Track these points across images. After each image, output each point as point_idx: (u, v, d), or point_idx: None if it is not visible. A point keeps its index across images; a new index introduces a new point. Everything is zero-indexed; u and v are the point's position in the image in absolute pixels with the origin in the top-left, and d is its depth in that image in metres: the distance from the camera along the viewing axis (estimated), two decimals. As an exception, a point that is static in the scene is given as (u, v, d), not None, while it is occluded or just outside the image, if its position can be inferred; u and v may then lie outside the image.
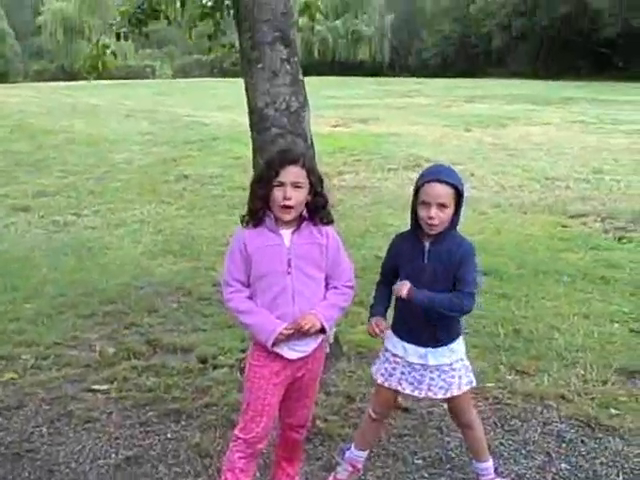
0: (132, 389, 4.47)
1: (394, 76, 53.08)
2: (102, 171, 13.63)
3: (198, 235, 8.74)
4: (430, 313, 3.00)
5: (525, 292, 6.27)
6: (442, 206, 2.95)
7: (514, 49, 55.29)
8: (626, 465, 3.53)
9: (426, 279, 3.02)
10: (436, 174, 3.02)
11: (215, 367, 4.77)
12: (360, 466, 3.45)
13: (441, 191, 2.96)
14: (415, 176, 9.84)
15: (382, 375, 3.23)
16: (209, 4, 7.12)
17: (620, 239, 8.25)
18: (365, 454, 3.45)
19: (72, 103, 25.12)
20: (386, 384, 3.22)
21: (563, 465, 3.53)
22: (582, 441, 3.76)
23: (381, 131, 18.33)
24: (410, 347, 3.13)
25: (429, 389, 3.13)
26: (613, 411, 4.05)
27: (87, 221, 9.85)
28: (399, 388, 3.19)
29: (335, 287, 3.00)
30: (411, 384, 3.16)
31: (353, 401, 4.23)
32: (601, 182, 11.69)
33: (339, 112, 22.72)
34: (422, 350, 3.10)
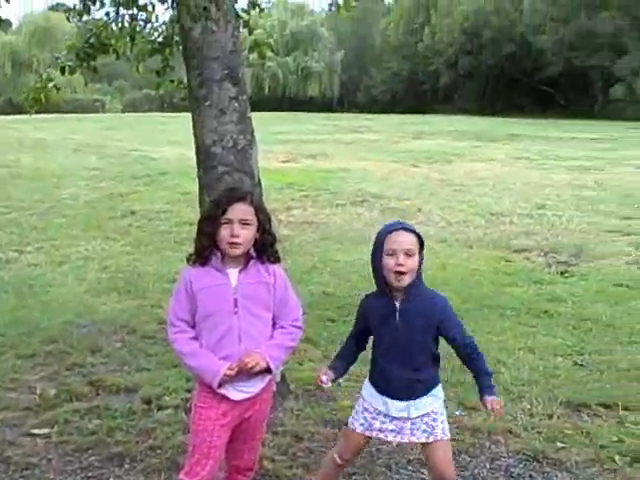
0: (73, 433, 4.31)
1: (343, 112, 53.80)
2: (47, 206, 13.39)
3: (144, 272, 8.61)
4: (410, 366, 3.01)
5: (471, 327, 6.20)
6: (409, 254, 2.92)
7: (461, 86, 56.64)
8: (572, 500, 3.55)
9: (400, 339, 3.00)
10: (400, 224, 3.02)
11: (160, 408, 4.64)
12: None
13: (407, 238, 2.94)
14: (363, 211, 9.93)
15: (362, 425, 3.15)
16: (159, 40, 7.11)
17: (563, 273, 8.40)
18: None
19: (18, 137, 24.80)
20: (367, 433, 3.15)
21: (511, 501, 3.54)
22: (530, 476, 3.76)
23: (330, 167, 18.46)
24: (390, 402, 3.07)
25: (412, 434, 3.08)
26: (559, 444, 4.07)
27: (30, 258, 9.60)
28: (381, 436, 3.14)
29: (282, 327, 2.99)
30: (392, 431, 3.11)
31: (301, 440, 4.17)
32: (544, 217, 11.92)
33: (288, 147, 22.85)
34: (403, 404, 3.06)
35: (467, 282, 7.94)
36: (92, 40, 6.79)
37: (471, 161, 19.71)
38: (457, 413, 4.49)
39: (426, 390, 3.08)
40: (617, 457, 3.93)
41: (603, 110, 46.86)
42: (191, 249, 2.94)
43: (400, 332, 2.99)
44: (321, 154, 21.28)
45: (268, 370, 2.90)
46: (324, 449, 4.03)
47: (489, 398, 3.02)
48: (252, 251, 2.93)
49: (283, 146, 23.03)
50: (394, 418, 3.08)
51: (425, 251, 3.03)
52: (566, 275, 8.33)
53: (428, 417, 3.07)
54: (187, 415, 3.89)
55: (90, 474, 3.84)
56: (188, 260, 2.94)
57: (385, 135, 28.25)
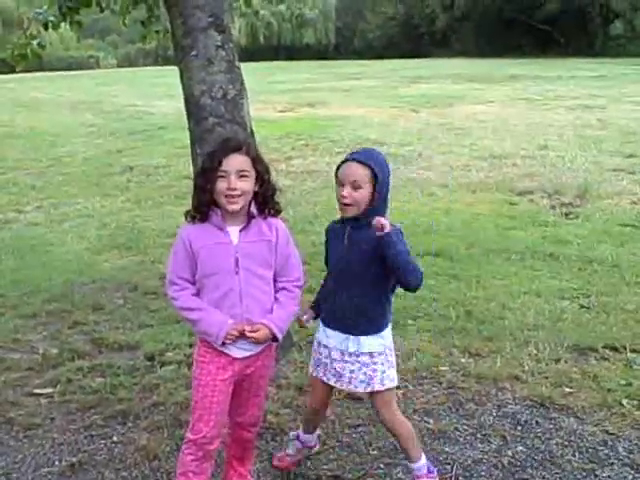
0: (76, 391, 4.28)
1: (340, 59, 53.02)
2: (44, 165, 13.28)
3: (144, 228, 8.53)
4: (357, 302, 2.94)
5: (476, 272, 6.24)
6: (355, 186, 2.85)
7: (458, 29, 55.67)
8: (581, 444, 3.50)
9: (345, 263, 2.96)
10: (354, 154, 2.93)
11: (163, 364, 4.61)
12: (312, 444, 3.43)
13: (355, 170, 2.86)
14: (362, 159, 9.53)
15: (312, 366, 3.18)
16: (142, -11, 6.91)
17: (567, 215, 8.30)
18: (315, 435, 3.42)
19: (13, 97, 24.50)
20: (314, 374, 3.16)
21: (519, 448, 3.49)
22: (537, 422, 3.72)
23: (328, 114, 18.22)
24: (332, 333, 3.04)
25: (350, 382, 3.03)
26: (566, 389, 4.03)
27: (29, 217, 9.54)
28: (324, 379, 3.11)
29: (285, 288, 2.91)
30: (334, 375, 3.06)
31: (305, 393, 4.11)
32: (546, 158, 11.76)
33: (286, 97, 22.56)
34: (343, 336, 3.01)
35: (471, 227, 7.86)
36: (73, -8, 6.58)
37: (471, 104, 19.42)
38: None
39: (371, 329, 2.99)
40: (625, 401, 3.89)
41: (603, 47, 46.10)
42: (190, 207, 2.83)
43: (348, 255, 2.94)
44: (319, 102, 21.00)
45: (274, 339, 2.86)
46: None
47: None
48: (253, 207, 2.82)
49: (280, 96, 22.73)
50: (334, 360, 3.03)
51: (383, 186, 2.89)
52: (571, 216, 8.24)
53: (367, 367, 2.99)
54: (190, 371, 3.83)
55: (94, 432, 3.81)
56: (186, 217, 2.83)
57: (383, 81, 27.85)
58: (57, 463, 3.54)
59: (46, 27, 6.56)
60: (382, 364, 3.01)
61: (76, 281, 6.56)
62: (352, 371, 3.01)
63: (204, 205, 2.77)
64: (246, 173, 2.73)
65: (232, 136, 3.79)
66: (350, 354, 3.00)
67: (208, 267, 2.78)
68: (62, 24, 6.75)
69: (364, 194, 2.86)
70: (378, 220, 2.74)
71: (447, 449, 3.51)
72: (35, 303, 5.98)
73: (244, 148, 2.76)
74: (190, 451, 2.88)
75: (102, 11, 7.14)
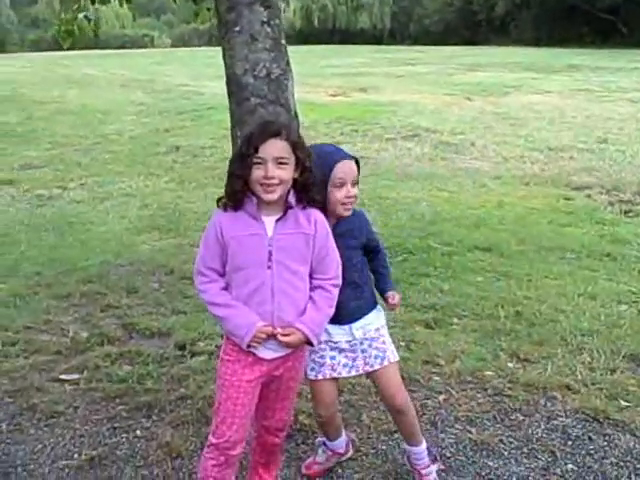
0: (103, 379, 4.12)
1: (395, 44, 52.46)
2: (91, 142, 13.28)
3: (186, 209, 8.39)
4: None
5: (527, 270, 5.92)
6: (354, 183, 2.83)
7: (517, 16, 54.50)
8: (638, 465, 3.20)
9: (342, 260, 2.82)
10: (346, 152, 2.86)
11: (193, 354, 4.42)
12: (342, 450, 3.24)
13: (354, 168, 2.83)
14: (413, 146, 9.40)
15: (312, 370, 2.97)
16: (194, -36, 6.73)
17: (626, 213, 7.90)
18: (342, 440, 3.23)
19: (66, 73, 24.70)
20: (320, 377, 2.96)
21: (569, 466, 3.20)
22: (590, 438, 3.42)
23: (381, 100, 17.88)
24: (332, 327, 2.89)
25: (366, 363, 2.96)
26: (623, 403, 3.72)
27: (73, 195, 9.49)
28: (334, 375, 2.96)
29: (321, 287, 2.64)
30: (345, 366, 2.96)
31: (340, 393, 3.86)
32: (606, 152, 11.31)
33: (338, 81, 22.28)
34: (345, 327, 2.93)
35: (524, 222, 7.51)
36: (124, -34, 6.44)
37: (528, 94, 18.86)
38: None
39: (369, 306, 3.00)
40: (689, 419, 3.55)
41: (668, 39, 44.65)
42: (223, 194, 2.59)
43: (340, 250, 2.77)
44: (372, 87, 20.65)
45: (308, 343, 2.63)
46: (364, 402, 3.80)
47: (390, 293, 3.03)
48: (291, 197, 2.56)
49: (333, 79, 22.46)
50: (341, 350, 2.95)
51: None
52: (630, 215, 7.84)
53: (376, 341, 2.96)
54: (221, 363, 3.64)
55: (117, 424, 3.64)
56: (218, 204, 2.60)
57: (438, 67, 27.32)
58: (76, 456, 3.37)
59: (93, 1, 6.43)
60: (386, 336, 3.02)
61: (113, 262, 6.43)
62: (364, 351, 2.95)
63: (238, 192, 2.52)
64: (285, 160, 2.48)
65: (270, 119, 3.52)
66: (359, 338, 2.94)
67: (238, 259, 2.55)
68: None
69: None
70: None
71: (490, 463, 3.24)
72: (70, 283, 5.86)
73: (284, 132, 2.49)
74: (211, 456, 2.66)
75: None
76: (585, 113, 15.31)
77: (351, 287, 2.87)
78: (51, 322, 5.07)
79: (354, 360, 2.95)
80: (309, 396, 3.77)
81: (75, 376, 4.19)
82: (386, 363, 2.95)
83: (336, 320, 2.83)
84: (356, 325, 2.93)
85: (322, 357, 2.95)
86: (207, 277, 2.61)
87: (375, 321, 2.99)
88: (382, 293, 3.06)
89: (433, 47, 43.06)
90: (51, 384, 4.10)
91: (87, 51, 37.08)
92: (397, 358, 3.02)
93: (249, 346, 2.56)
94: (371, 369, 2.97)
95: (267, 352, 2.61)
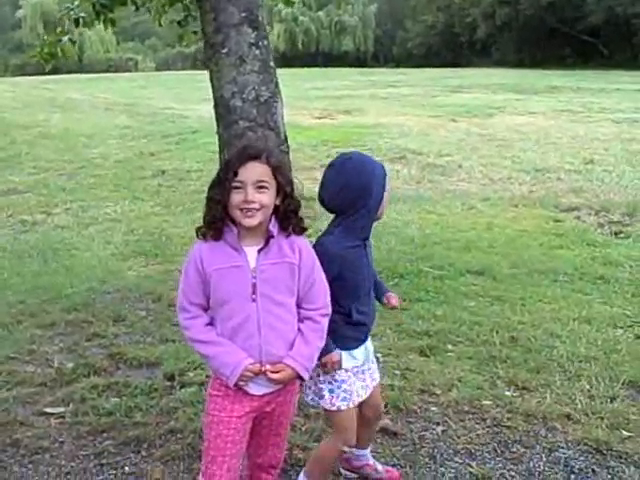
0: (89, 412, 3.97)
1: (378, 66, 52.80)
2: (76, 167, 13.11)
3: (173, 234, 8.25)
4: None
5: (520, 294, 5.84)
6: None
7: (499, 38, 55.08)
8: (644, 499, 3.11)
9: (370, 280, 2.93)
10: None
11: (183, 385, 4.28)
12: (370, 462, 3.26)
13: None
14: (401, 168, 9.38)
15: (345, 400, 2.85)
16: (179, -13, 6.67)
17: (617, 234, 7.84)
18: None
19: (50, 97, 24.60)
20: (351, 405, 2.87)
21: (573, 500, 3.11)
22: (593, 470, 3.32)
23: (366, 122, 17.87)
24: (357, 351, 2.89)
25: (372, 378, 2.99)
26: (625, 433, 3.62)
27: (57, 220, 9.32)
28: (361, 399, 2.92)
29: (310, 318, 2.54)
30: (363, 388, 2.93)
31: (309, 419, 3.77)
32: (593, 173, 11.29)
33: (323, 103, 22.31)
34: (362, 346, 2.92)
35: (514, 244, 7.43)
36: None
37: (512, 115, 18.96)
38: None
39: None
40: (693, 448, 3.46)
41: (648, 60, 45.18)
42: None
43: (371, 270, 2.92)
44: (357, 110, 20.67)
45: (299, 377, 2.54)
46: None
47: (390, 293, 3.05)
48: (273, 226, 2.46)
49: (318, 102, 22.48)
50: (366, 371, 2.96)
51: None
52: (621, 236, 7.78)
53: (373, 355, 3.04)
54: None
55: (104, 461, 3.50)
56: (197, 233, 2.50)
57: (422, 89, 27.47)
58: (62, 496, 3.24)
59: (77, 23, 6.36)
60: None
61: (98, 289, 6.28)
62: (370, 367, 2.99)
63: (217, 220, 2.42)
64: (265, 184, 2.38)
65: (251, 143, 3.40)
66: (369, 354, 2.99)
67: (221, 293, 2.44)
68: (95, 22, 6.57)
69: None
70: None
71: (492, 498, 3.14)
72: (54, 311, 5.71)
73: (264, 156, 2.41)
74: (203, 497, 2.55)
75: (137, 9, 6.94)
76: (570, 134, 15.35)
77: (372, 303, 2.93)
78: (35, 352, 4.91)
79: (364, 380, 2.93)
80: (303, 429, 3.69)
81: (60, 409, 4.05)
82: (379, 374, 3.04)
83: (362, 341, 2.87)
84: (367, 341, 2.94)
85: (351, 385, 2.85)
86: (190, 313, 2.51)
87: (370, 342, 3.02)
88: (381, 296, 3.04)
89: (416, 69, 43.32)
90: (35, 418, 3.96)
91: (71, 75, 37.01)
92: None
93: (236, 384, 2.46)
94: (375, 383, 3.00)
95: (257, 388, 2.51)
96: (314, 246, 2.66)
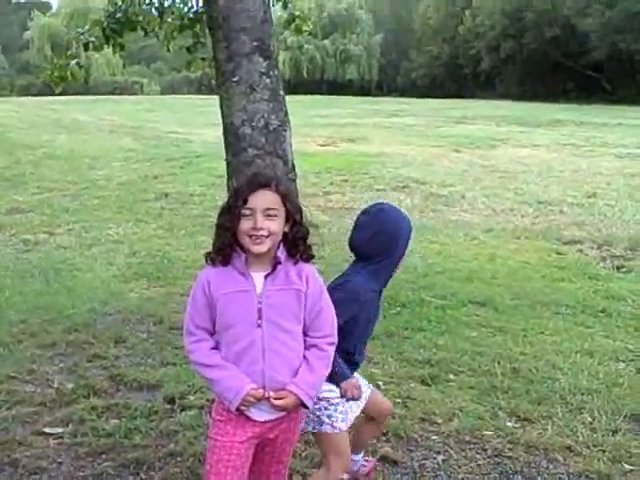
0: (88, 433, 3.96)
1: (382, 95, 53.16)
2: (80, 188, 13.15)
3: (175, 257, 8.27)
4: None
5: (522, 326, 5.84)
6: None
7: (502, 71, 55.46)
8: (645, 535, 3.09)
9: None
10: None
11: (183, 408, 4.27)
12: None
13: None
14: (404, 197, 9.46)
15: (344, 421, 2.95)
16: (189, 15, 6.74)
17: (619, 268, 7.85)
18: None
19: (56, 118, 24.70)
20: (349, 423, 3.00)
21: (575, 534, 3.09)
22: (594, 504, 3.31)
23: (369, 151, 17.96)
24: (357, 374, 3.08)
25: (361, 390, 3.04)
26: (627, 467, 3.60)
27: (59, 240, 9.33)
28: (356, 415, 3.08)
29: (315, 346, 2.55)
30: (357, 404, 3.05)
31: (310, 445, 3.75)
32: (595, 207, 11.33)
33: (327, 131, 22.42)
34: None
35: (517, 276, 7.45)
36: (119, 15, 6.43)
37: (515, 147, 19.04)
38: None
39: None
40: (697, 484, 3.45)
41: (650, 96, 45.46)
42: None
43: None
44: (360, 138, 20.78)
45: (303, 405, 2.53)
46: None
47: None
48: (281, 252, 2.49)
49: (322, 130, 22.59)
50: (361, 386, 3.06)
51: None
52: (623, 270, 7.79)
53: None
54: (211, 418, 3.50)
55: (103, 483, 3.48)
56: (206, 259, 2.52)
57: (426, 120, 27.62)
58: (59, 519, 3.22)
59: (86, 48, 6.42)
60: None
61: (100, 311, 6.28)
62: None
63: (226, 247, 2.45)
64: (274, 212, 2.41)
65: (260, 171, 3.43)
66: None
67: (227, 317, 2.46)
68: (105, 47, 6.64)
69: None
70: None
71: (493, 530, 3.12)
72: (55, 332, 5.70)
73: (273, 184, 2.44)
74: (201, 523, 2.54)
75: (146, 34, 7.01)
76: (572, 167, 15.41)
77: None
78: (35, 372, 4.90)
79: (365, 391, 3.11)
80: (303, 455, 3.67)
81: (59, 430, 4.03)
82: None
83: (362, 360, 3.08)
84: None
85: (344, 405, 2.93)
86: (196, 336, 2.52)
87: None
88: None
89: (420, 99, 43.59)
90: (34, 437, 3.94)
91: (77, 96, 37.23)
92: None
93: (238, 409, 2.46)
94: (366, 394, 3.11)
95: (259, 414, 2.51)
96: (344, 282, 2.91)
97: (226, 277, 2.46)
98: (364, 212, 3.02)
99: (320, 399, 2.85)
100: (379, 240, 2.90)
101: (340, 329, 2.61)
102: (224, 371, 2.46)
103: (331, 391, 2.89)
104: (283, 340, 2.47)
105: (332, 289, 2.74)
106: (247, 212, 2.39)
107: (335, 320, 2.60)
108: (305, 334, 2.55)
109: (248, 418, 2.51)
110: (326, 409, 2.90)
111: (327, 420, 2.90)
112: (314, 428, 2.94)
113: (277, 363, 2.46)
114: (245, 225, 2.39)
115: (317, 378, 2.54)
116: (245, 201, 2.39)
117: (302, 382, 2.49)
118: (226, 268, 2.47)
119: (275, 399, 2.45)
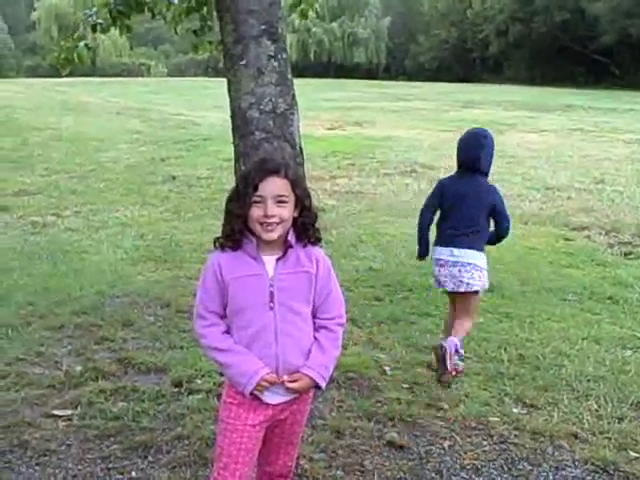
0: (97, 416, 3.99)
1: (390, 79, 52.87)
2: (87, 170, 13.15)
3: (182, 240, 8.28)
4: None
5: (529, 312, 5.84)
6: None
7: (511, 55, 55.04)
8: (650, 521, 3.10)
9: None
10: None
11: (190, 392, 4.30)
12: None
13: None
14: (411, 182, 9.60)
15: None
16: (196, -3, 6.69)
17: (626, 255, 7.83)
18: None
19: (62, 100, 24.62)
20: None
21: (580, 521, 3.10)
22: (600, 491, 3.32)
23: (376, 134, 17.91)
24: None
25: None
26: (632, 454, 3.61)
27: (67, 222, 9.35)
28: None
29: (325, 327, 2.56)
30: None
31: (342, 436, 3.77)
32: (603, 193, 11.29)
33: (334, 114, 22.35)
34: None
35: (524, 262, 7.44)
36: (126, -3, 6.39)
37: (523, 132, 18.94)
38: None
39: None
40: (702, 472, 3.45)
41: (660, 82, 45.09)
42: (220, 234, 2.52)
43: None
44: (367, 122, 20.71)
45: (316, 386, 2.54)
46: (367, 447, 3.65)
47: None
48: (291, 236, 2.49)
49: (329, 113, 22.51)
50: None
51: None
52: (631, 257, 7.78)
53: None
54: (219, 401, 3.52)
55: (111, 465, 3.51)
56: (215, 244, 2.52)
57: (433, 104, 27.49)
58: (67, 500, 3.24)
59: (94, 29, 6.38)
60: None
61: (108, 293, 6.30)
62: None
63: (236, 233, 2.45)
64: (285, 198, 2.42)
65: (270, 157, 3.42)
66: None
67: (239, 301, 2.46)
68: (112, 28, 6.59)
69: None
70: None
71: (499, 516, 3.13)
72: (64, 314, 5.73)
73: (283, 170, 2.44)
74: (212, 503, 2.55)
75: (153, 17, 6.95)
76: (581, 153, 15.34)
77: None
78: (44, 354, 4.93)
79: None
80: (310, 439, 3.69)
81: (68, 412, 4.06)
82: None
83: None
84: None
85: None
86: (207, 320, 2.53)
87: None
88: None
89: (428, 83, 43.35)
90: (43, 420, 3.97)
91: (83, 78, 37.12)
92: None
93: (252, 393, 2.47)
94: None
95: (272, 397, 2.52)
96: (495, 188, 4.89)
97: (238, 261, 2.46)
98: (485, 136, 4.87)
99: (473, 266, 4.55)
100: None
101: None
102: (238, 355, 2.46)
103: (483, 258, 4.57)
104: (294, 322, 2.49)
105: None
106: (257, 199, 2.39)
107: (343, 302, 2.62)
108: (314, 316, 2.56)
109: (261, 401, 2.52)
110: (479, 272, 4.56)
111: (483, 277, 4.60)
112: (467, 285, 4.56)
113: (289, 345, 2.47)
114: (256, 212, 2.39)
115: (329, 359, 2.55)
116: (255, 188, 2.39)
117: (315, 364, 2.50)
118: (237, 253, 2.47)
119: (289, 382, 2.46)
